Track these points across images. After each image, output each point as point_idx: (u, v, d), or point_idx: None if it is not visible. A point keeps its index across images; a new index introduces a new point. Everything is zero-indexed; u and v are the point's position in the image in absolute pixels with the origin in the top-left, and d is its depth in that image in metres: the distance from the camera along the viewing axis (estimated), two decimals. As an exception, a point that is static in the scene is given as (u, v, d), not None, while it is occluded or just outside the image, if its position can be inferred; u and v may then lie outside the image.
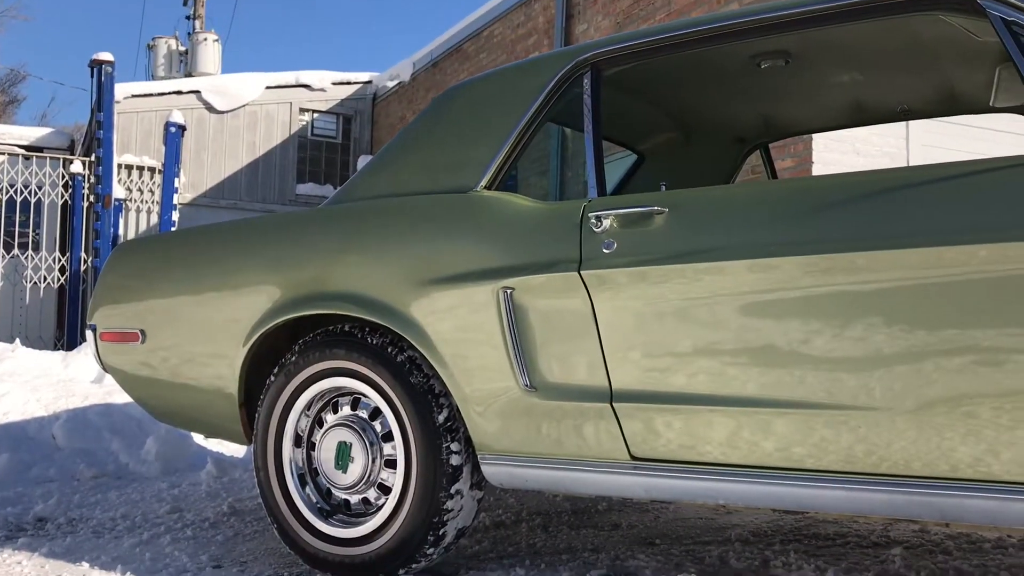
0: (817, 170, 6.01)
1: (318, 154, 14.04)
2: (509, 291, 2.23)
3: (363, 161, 13.63)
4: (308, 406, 2.61)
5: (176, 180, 8.76)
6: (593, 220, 2.17)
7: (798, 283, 1.92)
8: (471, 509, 2.45)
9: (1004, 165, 1.82)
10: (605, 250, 2.14)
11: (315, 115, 14.00)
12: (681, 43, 2.33)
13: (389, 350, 2.45)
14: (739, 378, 1.99)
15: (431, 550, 2.38)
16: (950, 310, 1.79)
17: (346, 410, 2.57)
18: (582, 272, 2.15)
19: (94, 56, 9.09)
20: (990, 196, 1.79)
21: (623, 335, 2.11)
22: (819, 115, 3.28)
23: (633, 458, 2.15)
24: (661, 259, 2.07)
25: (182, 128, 8.98)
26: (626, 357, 2.12)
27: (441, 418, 2.38)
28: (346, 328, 2.54)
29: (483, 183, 2.44)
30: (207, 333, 2.77)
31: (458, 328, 2.32)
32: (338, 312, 2.49)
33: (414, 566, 2.41)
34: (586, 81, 2.41)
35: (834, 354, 1.89)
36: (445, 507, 2.36)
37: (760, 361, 1.96)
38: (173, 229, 8.55)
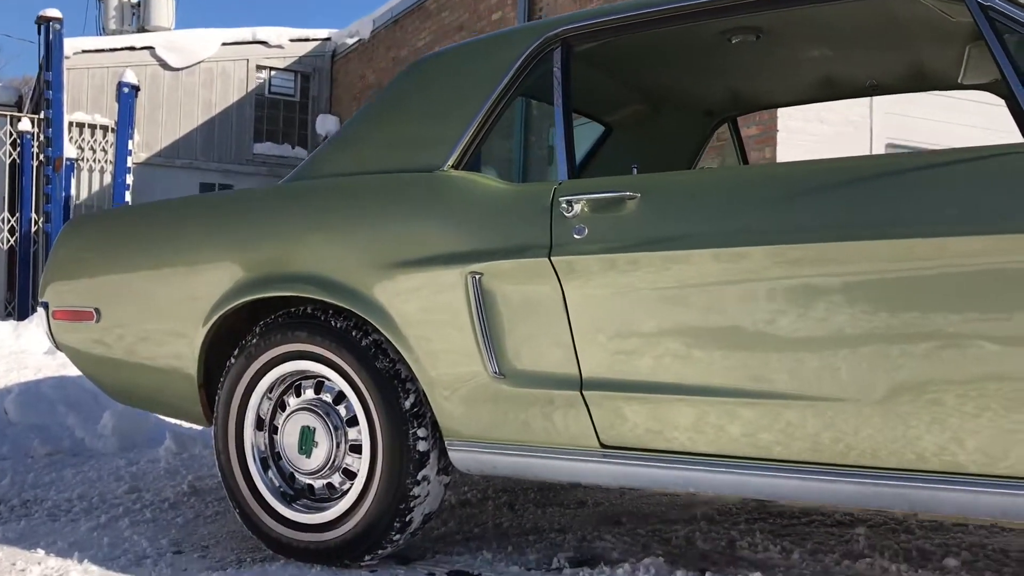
0: (782, 138, 6.00)
1: (276, 113, 13.77)
2: (478, 276, 2.18)
3: (322, 121, 13.41)
4: (270, 389, 2.55)
5: (130, 142, 8.52)
6: (564, 205, 2.12)
7: (768, 273, 1.90)
8: (438, 494, 2.42)
9: (971, 157, 1.79)
10: (576, 235, 2.09)
11: (272, 73, 13.71)
12: (654, 20, 2.27)
13: (354, 334, 2.39)
14: (709, 367, 1.96)
15: (397, 536, 2.35)
16: (918, 302, 1.77)
17: (309, 393, 2.51)
18: (552, 258, 2.10)
19: (41, 13, 8.77)
20: (960, 188, 1.77)
21: (594, 322, 2.08)
22: (789, 90, 3.25)
23: (603, 446, 2.12)
24: (632, 246, 2.02)
25: (135, 89, 8.73)
26: (596, 345, 2.08)
27: (408, 404, 2.34)
28: (308, 310, 2.48)
29: (451, 162, 2.37)
30: (165, 312, 2.68)
31: (425, 312, 2.27)
32: (300, 295, 2.43)
33: (380, 552, 2.38)
34: (556, 57, 2.34)
35: (803, 345, 1.87)
36: (412, 493, 2.32)
37: (730, 351, 1.94)
38: (127, 200, 8.33)
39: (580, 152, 3.38)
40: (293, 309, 2.51)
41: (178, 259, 2.67)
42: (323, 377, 2.48)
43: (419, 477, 2.33)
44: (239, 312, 2.60)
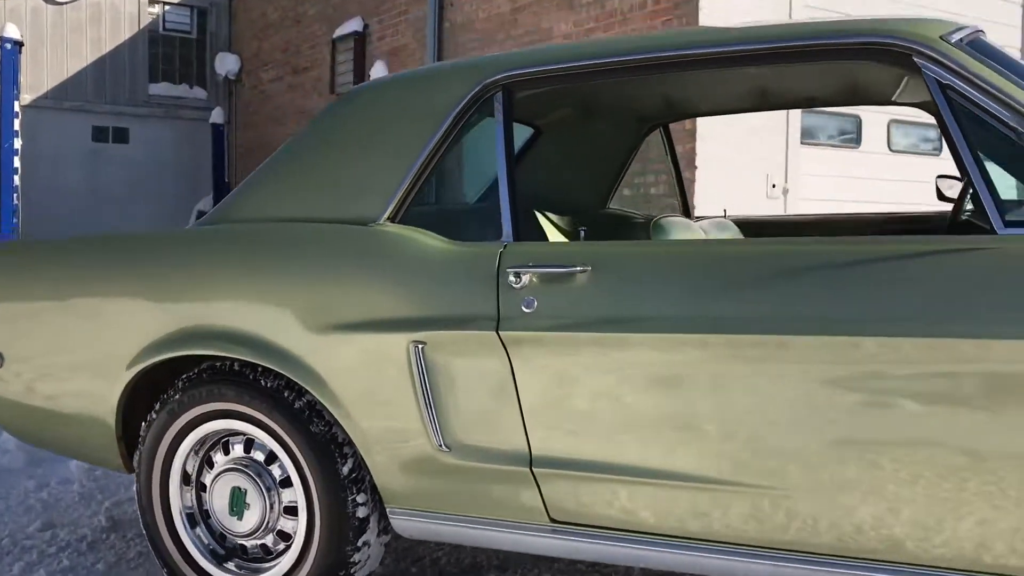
0: (701, 134, 5.92)
1: (172, 51, 13.05)
2: (421, 346, 2.07)
3: (221, 60, 12.77)
4: (196, 447, 2.42)
5: (15, 103, 7.91)
6: (512, 277, 2.02)
7: (723, 361, 1.84)
8: (379, 554, 2.35)
9: (927, 250, 1.75)
10: (525, 308, 2.00)
11: (166, 8, 12.94)
12: (600, 72, 2.15)
13: (286, 394, 2.26)
14: (660, 450, 1.92)
15: (338, 600, 2.28)
16: (874, 399, 1.75)
17: (238, 450, 2.39)
18: (501, 333, 2.01)
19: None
20: (915, 287, 1.73)
21: (543, 399, 2.01)
22: (723, 100, 3.18)
23: (553, 521, 2.08)
24: (583, 325, 1.94)
25: (19, 44, 8.04)
26: (546, 422, 2.01)
27: (346, 469, 2.24)
28: (236, 366, 2.34)
29: (387, 214, 2.23)
30: (78, 362, 2.50)
31: (363, 379, 2.16)
32: (224, 355, 2.28)
33: (320, 617, 2.30)
34: (497, 104, 2.21)
35: (748, 433, 1.84)
36: (352, 560, 2.25)
37: (681, 435, 1.90)
38: (16, 165, 7.76)
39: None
40: (219, 364, 2.37)
41: (91, 307, 2.49)
42: (254, 436, 2.35)
43: (359, 543, 2.25)
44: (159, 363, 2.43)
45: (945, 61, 1.82)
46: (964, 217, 2.64)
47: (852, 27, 1.95)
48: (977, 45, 1.89)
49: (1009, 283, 1.66)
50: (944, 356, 1.68)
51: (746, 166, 6.17)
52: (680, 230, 2.35)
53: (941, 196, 3.36)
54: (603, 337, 1.92)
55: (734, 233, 3.03)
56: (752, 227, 3.29)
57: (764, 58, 2.04)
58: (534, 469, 2.04)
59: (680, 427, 1.89)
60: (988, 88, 1.78)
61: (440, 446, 2.10)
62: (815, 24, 2.03)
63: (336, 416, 2.20)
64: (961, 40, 1.87)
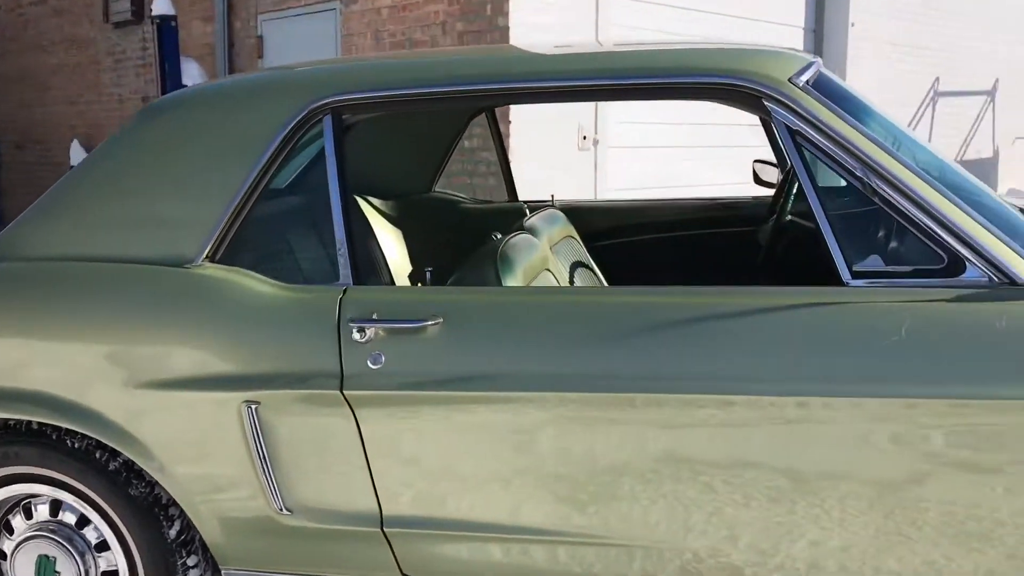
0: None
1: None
2: (254, 407, 1.89)
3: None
4: (-8, 512, 2.13)
5: None
6: (355, 332, 1.86)
7: (571, 420, 1.77)
8: None
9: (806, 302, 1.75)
10: (372, 365, 1.85)
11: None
12: (442, 99, 1.99)
13: (98, 455, 2.02)
14: (515, 508, 1.86)
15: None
16: (730, 456, 1.74)
17: (43, 512, 2.13)
18: (345, 392, 1.85)
19: None
20: (773, 339, 1.72)
21: (394, 460, 1.88)
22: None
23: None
24: (435, 383, 1.82)
25: None
26: (398, 483, 1.90)
27: (173, 532, 2.04)
28: (35, 425, 2.06)
29: (205, 253, 2.00)
30: None
31: (187, 441, 1.95)
32: (18, 417, 2.00)
33: None
34: (327, 128, 2.00)
35: (600, 491, 1.81)
36: (185, 626, 2.07)
37: (532, 493, 1.83)
38: None
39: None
40: (12, 422, 2.08)
41: None
42: (60, 499, 2.10)
43: (193, 608, 2.08)
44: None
45: (794, 107, 1.79)
46: (788, 218, 2.70)
47: (698, 64, 1.87)
48: (821, 85, 1.88)
49: (856, 336, 1.68)
50: (798, 413, 1.69)
51: (557, 119, 6.14)
52: (525, 255, 2.26)
53: (758, 180, 3.46)
54: (456, 396, 1.81)
55: (563, 224, 2.97)
56: (576, 214, 3.26)
57: (604, 94, 1.95)
58: (386, 529, 1.93)
59: (533, 484, 1.83)
60: (836, 137, 1.76)
61: (281, 509, 1.94)
62: (658, 57, 1.94)
63: (159, 479, 1.99)
64: (808, 81, 1.85)
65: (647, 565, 1.83)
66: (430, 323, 1.83)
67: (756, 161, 3.44)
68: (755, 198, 3.36)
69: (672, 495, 1.78)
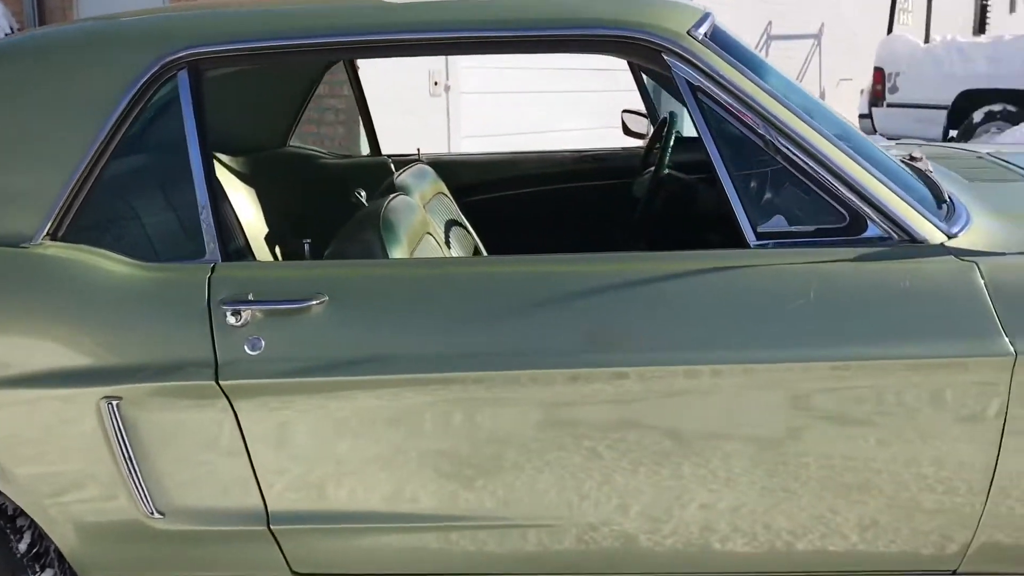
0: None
1: None
2: (115, 403, 1.67)
3: None
4: None
5: None
6: (230, 315, 1.67)
7: (463, 400, 1.66)
8: None
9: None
10: (250, 351, 1.67)
11: None
12: (311, 51, 1.80)
13: (-75, 466, 1.76)
14: (405, 496, 1.74)
15: None
16: (620, 428, 1.67)
17: None
18: (221, 382, 1.67)
19: None
20: (676, 305, 1.66)
21: (278, 453, 1.72)
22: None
23: (295, 573, 1.84)
24: (322, 368, 1.65)
25: None
26: (283, 477, 1.74)
27: (23, 546, 1.82)
28: None
29: (46, 231, 1.74)
30: None
31: (35, 444, 1.72)
32: None
33: None
34: (183, 85, 1.77)
35: (492, 472, 1.71)
36: (44, 647, 1.86)
37: (427, 479, 1.72)
38: None
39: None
40: None
41: None
42: None
43: (53, 626, 1.86)
44: None
45: (696, 61, 1.70)
46: (666, 172, 2.65)
47: (588, 15, 1.75)
48: (718, 38, 1.81)
49: (762, 299, 1.64)
50: (686, 382, 1.63)
51: (409, 66, 5.92)
52: (407, 219, 2.10)
53: (628, 131, 3.41)
54: (344, 381, 1.66)
55: (433, 180, 2.83)
56: (443, 169, 3.11)
57: (483, 46, 1.81)
58: (272, 527, 1.77)
59: (426, 469, 1.71)
60: (738, 93, 1.70)
61: (151, 513, 1.75)
62: (544, 6, 1.79)
63: (2, 488, 1.75)
64: (706, 35, 1.77)
65: (543, 540, 1.76)
66: (314, 303, 1.67)
67: (625, 111, 3.38)
68: (625, 149, 3.32)
69: (562, 470, 1.70)
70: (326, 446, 1.71)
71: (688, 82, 1.72)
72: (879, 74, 8.61)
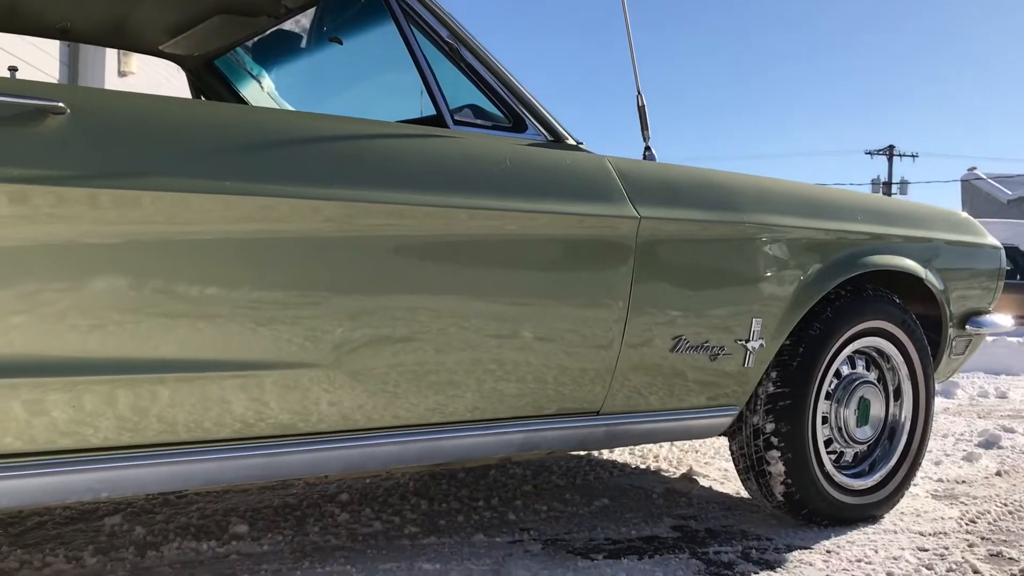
0: None
1: None
2: None
3: None
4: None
5: None
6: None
7: (217, 224, 1.60)
8: None
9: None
10: None
11: None
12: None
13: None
14: (127, 339, 1.55)
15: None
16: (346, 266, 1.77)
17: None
18: None
19: None
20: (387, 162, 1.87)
21: None
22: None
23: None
24: (61, 178, 1.47)
25: None
26: None
27: None
28: None
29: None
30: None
31: None
32: None
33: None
34: None
35: (227, 309, 1.64)
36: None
37: (152, 317, 1.57)
38: None
39: None
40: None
41: None
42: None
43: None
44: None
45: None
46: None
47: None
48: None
49: (460, 166, 1.97)
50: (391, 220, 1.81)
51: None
52: None
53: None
54: (83, 193, 1.48)
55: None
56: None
57: None
58: None
59: (132, 305, 1.56)
60: (441, 16, 2.04)
61: None
62: None
63: None
64: None
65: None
66: (51, 104, 1.49)
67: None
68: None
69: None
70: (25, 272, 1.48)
71: (401, 6, 2.02)
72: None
